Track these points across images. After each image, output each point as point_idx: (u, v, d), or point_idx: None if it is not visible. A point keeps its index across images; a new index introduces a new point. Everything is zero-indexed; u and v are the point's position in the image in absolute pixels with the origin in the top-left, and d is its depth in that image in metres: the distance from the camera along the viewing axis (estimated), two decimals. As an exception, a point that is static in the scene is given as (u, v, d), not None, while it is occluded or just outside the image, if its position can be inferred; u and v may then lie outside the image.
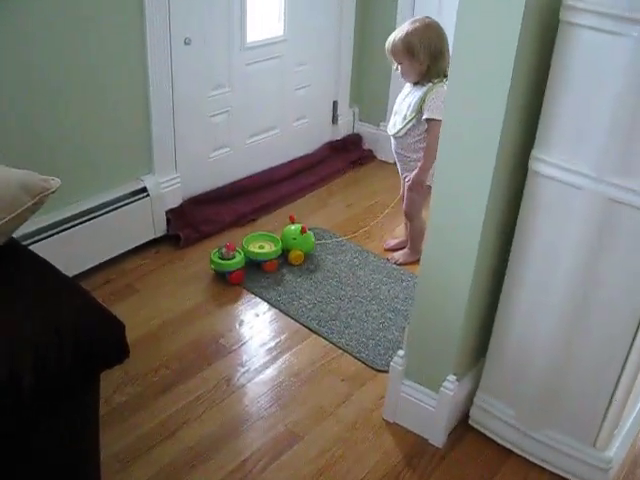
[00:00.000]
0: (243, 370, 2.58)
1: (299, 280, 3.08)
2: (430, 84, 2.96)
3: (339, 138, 4.26)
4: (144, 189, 3.14)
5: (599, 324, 1.99)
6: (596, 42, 1.72)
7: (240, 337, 2.74)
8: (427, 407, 2.30)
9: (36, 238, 2.73)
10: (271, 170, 3.84)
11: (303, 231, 3.19)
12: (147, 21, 2.90)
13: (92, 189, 2.97)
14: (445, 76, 2.91)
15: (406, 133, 3.06)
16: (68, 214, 2.88)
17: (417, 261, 2.96)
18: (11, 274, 1.55)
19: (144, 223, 3.18)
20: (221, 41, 3.34)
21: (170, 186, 3.27)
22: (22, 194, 1.57)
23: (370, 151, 4.30)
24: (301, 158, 4.03)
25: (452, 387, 2.22)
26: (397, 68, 3.01)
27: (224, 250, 3.00)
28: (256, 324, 2.82)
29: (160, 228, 3.26)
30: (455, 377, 2.22)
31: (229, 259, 3.01)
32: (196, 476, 2.17)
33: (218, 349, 2.66)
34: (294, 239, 3.18)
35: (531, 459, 2.28)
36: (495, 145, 1.87)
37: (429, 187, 2.68)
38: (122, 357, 1.58)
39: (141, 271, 3.08)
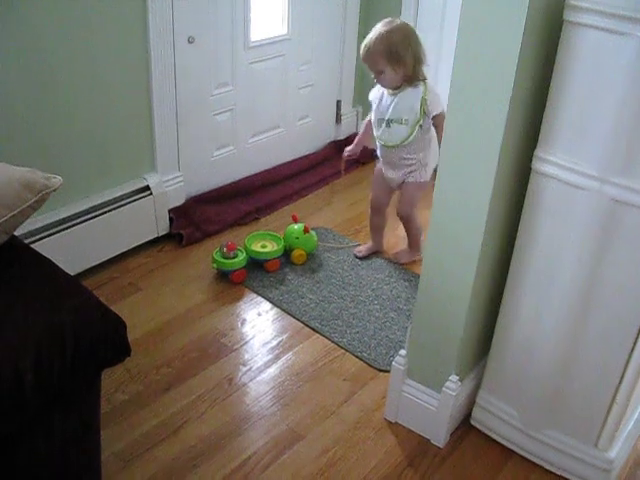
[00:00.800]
0: (245, 369, 2.58)
1: (301, 279, 3.07)
2: (422, 84, 2.90)
3: (342, 137, 4.25)
4: (147, 187, 3.14)
5: (602, 324, 1.98)
6: (600, 42, 1.71)
7: (242, 336, 2.74)
8: (429, 407, 2.29)
9: (39, 236, 2.74)
10: (274, 169, 3.84)
11: (306, 230, 3.18)
12: (150, 19, 2.90)
13: (95, 187, 2.98)
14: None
15: (414, 139, 2.99)
16: (71, 212, 2.88)
17: (419, 260, 3.02)
18: (13, 272, 1.55)
19: (147, 222, 3.18)
20: (225, 40, 3.34)
21: (173, 185, 3.27)
22: (24, 192, 1.57)
23: (373, 150, 4.27)
24: (304, 157, 4.03)
25: (454, 387, 2.22)
26: (376, 76, 2.92)
27: (225, 249, 3.00)
28: (258, 323, 2.82)
29: (163, 227, 3.26)
30: (457, 377, 2.22)
31: (231, 258, 3.01)
32: (197, 475, 2.16)
33: (220, 348, 2.66)
34: (297, 238, 3.17)
35: (533, 459, 2.27)
36: (498, 145, 1.87)
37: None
38: (123, 356, 1.58)
39: (144, 269, 3.08)
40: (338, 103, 4.17)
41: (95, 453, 1.71)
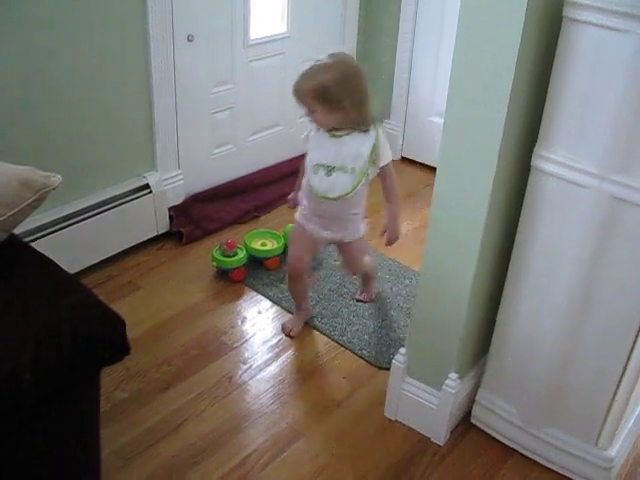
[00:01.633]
0: (245, 367, 2.58)
1: (301, 277, 3.07)
2: (373, 129, 2.48)
3: (342, 135, 4.23)
4: (147, 186, 3.14)
5: (602, 322, 1.98)
6: (600, 39, 1.71)
7: (242, 334, 2.74)
8: (429, 405, 2.29)
9: (39, 234, 2.74)
10: (274, 167, 3.84)
11: None
12: (150, 17, 2.90)
13: (95, 186, 2.97)
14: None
15: (358, 191, 2.53)
16: (71, 211, 2.88)
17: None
18: (12, 271, 1.55)
19: (147, 220, 3.18)
20: (224, 38, 3.33)
21: (173, 183, 3.27)
22: (23, 190, 1.56)
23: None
24: (304, 155, 4.01)
25: (454, 385, 2.22)
26: (308, 115, 2.51)
27: (225, 247, 2.99)
28: (258, 321, 2.82)
29: (163, 225, 3.26)
30: (457, 375, 2.22)
31: (231, 256, 3.00)
32: (198, 473, 2.16)
33: (220, 346, 2.66)
34: None
35: (533, 457, 2.27)
36: (497, 142, 1.86)
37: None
38: (123, 354, 1.58)
39: (143, 268, 3.08)
40: (338, 101, 4.15)
41: (94, 451, 1.70)
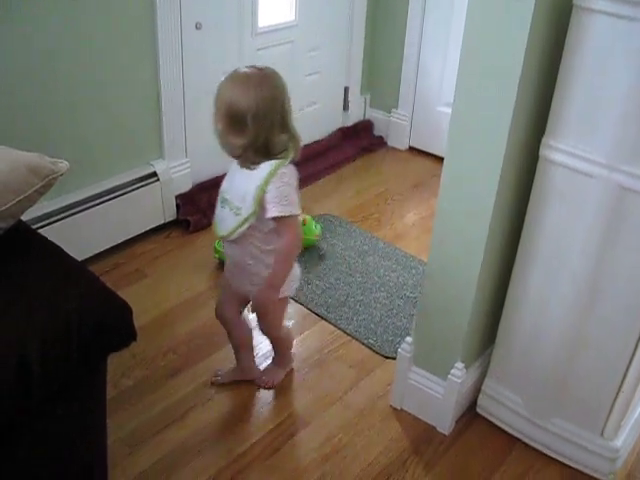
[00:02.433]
0: (251, 355, 2.58)
1: (308, 266, 3.07)
2: (270, 163, 2.02)
3: (350, 124, 4.24)
4: (154, 174, 3.14)
5: (609, 312, 1.97)
6: (610, 27, 1.70)
7: (248, 323, 2.74)
8: (435, 394, 2.29)
9: (46, 222, 2.74)
10: (281, 156, 3.83)
11: (303, 223, 3.08)
12: (158, 5, 2.89)
13: (102, 173, 2.98)
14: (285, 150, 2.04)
15: (243, 236, 2.09)
16: (78, 198, 2.88)
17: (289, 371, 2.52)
18: (19, 257, 1.55)
19: (154, 208, 3.18)
20: (232, 26, 3.33)
21: (180, 171, 3.27)
22: (30, 176, 1.56)
23: (381, 138, 4.28)
24: (312, 144, 4.01)
25: (460, 374, 2.22)
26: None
27: None
28: (264, 310, 2.82)
29: (170, 213, 3.26)
30: (463, 364, 2.22)
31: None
32: (203, 460, 2.17)
33: (226, 335, 2.65)
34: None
35: (538, 448, 2.27)
36: (505, 132, 1.86)
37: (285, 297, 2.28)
38: (129, 340, 1.58)
39: (150, 256, 3.08)
40: (346, 90, 4.15)
41: (101, 438, 1.71)
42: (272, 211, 2.01)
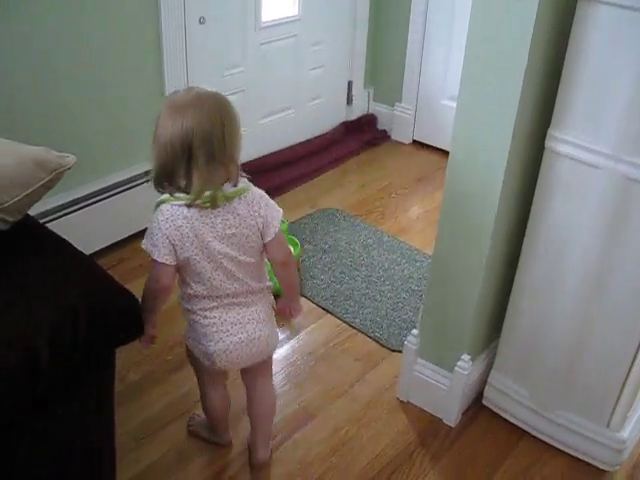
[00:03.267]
0: (257, 349, 2.58)
1: (313, 260, 3.07)
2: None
3: (354, 118, 4.24)
4: (157, 169, 3.14)
5: (615, 304, 1.98)
6: (615, 18, 1.70)
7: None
8: (441, 386, 2.30)
9: (50, 217, 2.74)
10: (285, 150, 3.84)
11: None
12: (162, 0, 2.89)
13: (106, 169, 2.98)
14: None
15: None
16: (82, 193, 2.89)
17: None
18: (26, 250, 1.55)
19: (157, 203, 3.18)
20: (236, 20, 3.33)
21: (183, 166, 3.26)
22: (38, 170, 1.57)
23: (384, 132, 4.28)
24: (315, 138, 4.02)
25: (466, 366, 2.22)
26: None
27: None
28: (270, 304, 2.82)
29: (174, 208, 3.25)
30: (469, 357, 2.22)
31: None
32: (209, 454, 2.18)
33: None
34: None
35: (544, 439, 2.28)
36: (511, 124, 1.86)
37: None
38: (137, 333, 1.59)
39: (155, 251, 3.08)
40: (349, 84, 4.15)
41: (110, 430, 1.71)
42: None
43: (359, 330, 2.70)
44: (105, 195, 2.96)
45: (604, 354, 2.06)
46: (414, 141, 4.21)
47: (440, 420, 2.35)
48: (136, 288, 2.72)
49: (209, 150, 1.69)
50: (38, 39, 2.57)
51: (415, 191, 3.71)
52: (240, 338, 1.87)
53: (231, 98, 3.36)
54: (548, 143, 1.92)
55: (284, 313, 2.05)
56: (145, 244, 1.81)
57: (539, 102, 1.94)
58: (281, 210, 1.86)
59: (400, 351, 2.48)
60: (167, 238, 1.75)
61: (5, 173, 1.53)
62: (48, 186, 1.60)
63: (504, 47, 1.80)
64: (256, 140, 3.65)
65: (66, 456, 1.56)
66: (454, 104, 1.99)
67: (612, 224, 1.88)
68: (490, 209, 1.98)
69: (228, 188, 1.75)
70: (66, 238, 1.67)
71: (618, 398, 2.10)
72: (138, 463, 2.13)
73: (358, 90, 4.21)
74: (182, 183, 1.72)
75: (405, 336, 2.41)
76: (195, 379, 2.12)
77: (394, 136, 4.26)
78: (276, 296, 2.02)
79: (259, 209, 1.78)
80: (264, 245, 1.83)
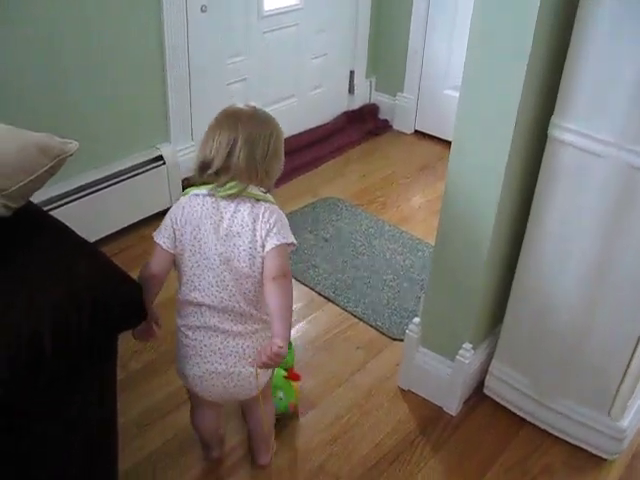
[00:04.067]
0: (259, 337, 2.59)
1: (315, 249, 3.07)
2: None
3: (356, 108, 4.24)
4: (160, 157, 3.14)
5: (617, 292, 1.98)
6: (619, 6, 1.70)
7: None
8: (442, 375, 2.30)
9: (53, 205, 2.74)
10: (287, 139, 3.80)
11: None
12: (163, -12, 2.90)
13: (109, 157, 2.98)
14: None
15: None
16: (85, 181, 2.89)
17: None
18: (29, 236, 1.56)
19: (160, 191, 3.18)
20: (238, 8, 3.32)
21: (186, 154, 3.26)
22: (40, 156, 1.57)
23: (386, 121, 4.28)
24: (317, 128, 4.02)
25: (468, 355, 2.23)
26: None
27: None
28: (272, 292, 2.83)
29: (176, 196, 3.24)
30: (471, 345, 2.23)
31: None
32: (211, 441, 2.18)
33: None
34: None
35: (545, 428, 2.28)
36: (514, 112, 1.86)
37: None
38: (139, 319, 1.59)
39: (158, 239, 3.08)
40: (351, 73, 4.15)
41: (112, 420, 1.72)
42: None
43: (360, 319, 2.71)
44: (108, 183, 2.97)
45: (606, 342, 2.06)
46: (416, 131, 4.22)
47: (441, 409, 2.35)
48: (139, 276, 2.76)
49: (250, 150, 1.74)
50: (46, 24, 2.58)
51: (417, 181, 3.71)
52: (217, 368, 1.80)
53: (233, 87, 3.41)
54: (551, 131, 1.92)
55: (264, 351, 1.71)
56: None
57: (542, 90, 1.93)
58: (292, 237, 1.80)
59: (401, 340, 2.49)
60: (171, 221, 1.79)
61: (8, 159, 1.53)
62: (51, 172, 1.61)
63: (507, 35, 1.80)
64: (258, 129, 3.64)
65: (69, 446, 1.57)
66: (457, 94, 1.99)
67: (615, 212, 1.88)
68: (492, 198, 1.99)
69: (251, 189, 1.76)
70: (70, 225, 1.68)
71: (619, 387, 2.10)
72: (140, 451, 2.14)
73: (360, 79, 4.20)
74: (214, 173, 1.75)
75: (406, 325, 2.42)
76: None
77: (396, 126, 4.26)
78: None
79: (270, 218, 1.75)
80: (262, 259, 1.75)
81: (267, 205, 1.77)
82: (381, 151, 4.02)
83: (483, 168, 1.97)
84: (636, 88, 1.72)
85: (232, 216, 1.74)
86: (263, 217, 1.74)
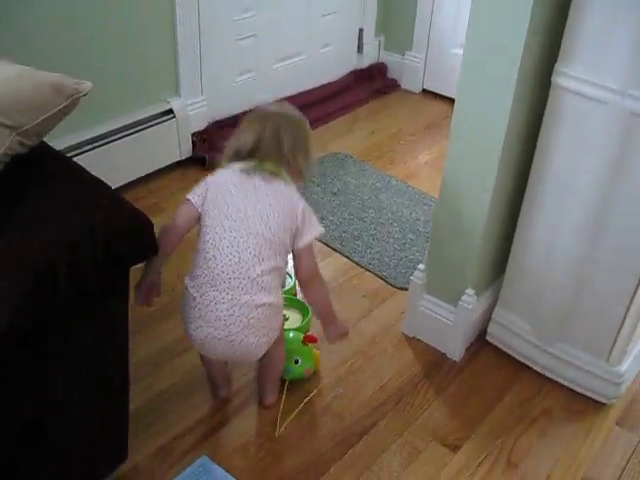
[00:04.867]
0: (266, 285, 2.63)
1: (322, 202, 3.11)
2: None
3: (364, 67, 4.25)
4: (170, 111, 3.18)
5: (617, 239, 2.02)
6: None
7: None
8: (446, 321, 2.35)
9: (65, 156, 2.78)
10: (296, 96, 3.85)
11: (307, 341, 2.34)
12: (174, -60, 2.91)
13: (119, 110, 3.01)
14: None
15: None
16: (96, 133, 2.93)
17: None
18: (45, 173, 1.60)
19: (170, 145, 3.22)
20: (248, -36, 3.34)
21: (196, 109, 3.30)
22: (55, 95, 1.60)
23: (394, 80, 4.29)
24: (326, 85, 4.03)
25: (471, 301, 2.27)
26: None
27: None
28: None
29: (186, 150, 3.30)
30: (474, 291, 2.27)
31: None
32: (220, 382, 2.24)
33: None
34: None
35: (545, 373, 2.34)
36: (517, 59, 1.89)
37: None
38: (151, 252, 1.64)
39: (167, 191, 3.13)
40: (360, 32, 4.15)
41: (124, 352, 1.77)
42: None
43: (366, 269, 2.76)
44: (119, 135, 3.00)
45: (606, 288, 2.10)
46: (424, 90, 4.23)
47: (444, 355, 2.41)
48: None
49: (278, 138, 1.92)
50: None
51: (424, 138, 3.74)
52: (219, 334, 1.89)
53: (243, 43, 3.43)
54: (554, 79, 1.95)
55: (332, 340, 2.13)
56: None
57: (547, 38, 1.96)
58: (320, 227, 1.99)
59: (406, 289, 2.53)
60: (205, 183, 1.94)
61: (23, 97, 1.56)
62: (65, 111, 1.64)
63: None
64: (268, 85, 3.67)
65: (81, 379, 1.62)
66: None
67: (617, 159, 1.91)
68: (497, 144, 2.02)
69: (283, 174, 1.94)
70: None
71: (618, 332, 2.15)
72: (150, 389, 2.20)
73: (369, 38, 4.21)
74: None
75: (411, 275, 2.46)
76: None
77: (404, 85, 4.27)
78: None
79: (297, 207, 1.92)
80: (292, 253, 1.95)
81: (298, 195, 1.94)
82: (389, 109, 4.04)
83: (488, 113, 2.00)
84: (639, 33, 1.75)
85: (265, 189, 1.88)
86: (298, 205, 1.92)
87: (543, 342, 2.29)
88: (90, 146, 2.91)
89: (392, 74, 4.31)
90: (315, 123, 3.74)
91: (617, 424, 2.21)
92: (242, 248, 1.85)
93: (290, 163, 1.95)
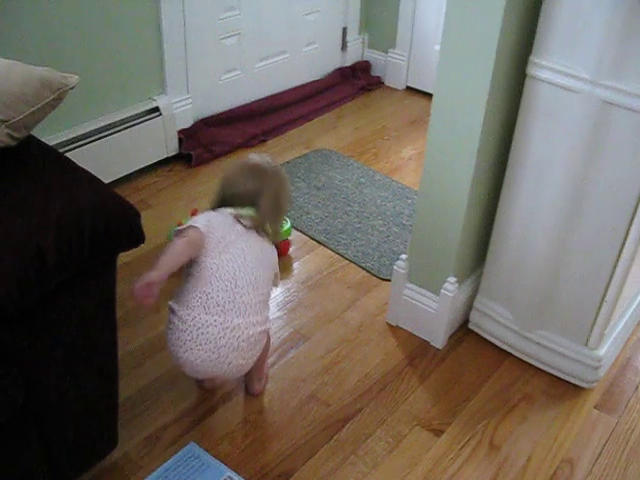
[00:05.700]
0: (253, 278, 2.67)
1: (307, 197, 3.16)
2: None
3: (348, 64, 4.30)
4: (156, 109, 3.21)
5: (592, 226, 2.07)
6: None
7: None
8: (428, 309, 2.40)
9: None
10: (280, 94, 3.90)
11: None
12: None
13: (105, 108, 3.05)
14: None
15: None
16: (82, 131, 2.96)
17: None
18: (32, 164, 1.64)
19: (157, 142, 3.26)
20: (232, -37, 3.38)
21: (182, 106, 3.34)
22: (42, 89, 1.64)
23: (378, 77, 4.34)
24: (310, 83, 4.08)
25: (452, 288, 2.32)
26: None
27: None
28: (265, 237, 2.91)
29: (172, 147, 3.34)
30: (455, 279, 2.32)
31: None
32: (208, 371, 2.27)
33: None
34: None
35: (526, 360, 2.38)
36: (492, 52, 1.93)
37: None
38: (138, 242, 1.68)
39: (154, 188, 3.17)
40: (344, 30, 4.20)
41: (112, 343, 1.80)
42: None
43: (351, 261, 2.80)
44: (105, 133, 3.03)
45: (583, 273, 2.15)
46: (407, 87, 4.28)
47: (428, 343, 2.46)
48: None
49: (277, 200, 2.10)
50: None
51: (408, 134, 3.79)
52: (209, 357, 1.92)
53: (227, 41, 3.47)
54: (529, 70, 2.00)
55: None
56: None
57: (521, 31, 2.00)
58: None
59: (390, 280, 2.57)
60: (207, 220, 2.01)
61: (11, 90, 1.60)
62: (52, 105, 1.68)
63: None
64: (252, 83, 3.72)
65: (70, 365, 1.65)
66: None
67: (591, 147, 1.96)
68: (473, 137, 2.07)
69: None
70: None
71: (596, 317, 2.20)
72: (137, 381, 2.24)
73: (352, 36, 4.26)
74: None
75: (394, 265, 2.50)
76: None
77: (388, 82, 4.32)
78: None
79: (274, 258, 2.11)
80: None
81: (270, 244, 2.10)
82: (373, 106, 4.09)
83: (465, 105, 2.05)
84: (610, 24, 1.80)
85: (261, 244, 2.04)
86: (273, 254, 2.10)
87: (523, 329, 2.34)
88: (77, 144, 2.94)
89: (376, 71, 4.36)
90: (300, 120, 3.80)
91: (595, 407, 2.26)
92: (239, 276, 1.93)
93: (271, 224, 2.10)
